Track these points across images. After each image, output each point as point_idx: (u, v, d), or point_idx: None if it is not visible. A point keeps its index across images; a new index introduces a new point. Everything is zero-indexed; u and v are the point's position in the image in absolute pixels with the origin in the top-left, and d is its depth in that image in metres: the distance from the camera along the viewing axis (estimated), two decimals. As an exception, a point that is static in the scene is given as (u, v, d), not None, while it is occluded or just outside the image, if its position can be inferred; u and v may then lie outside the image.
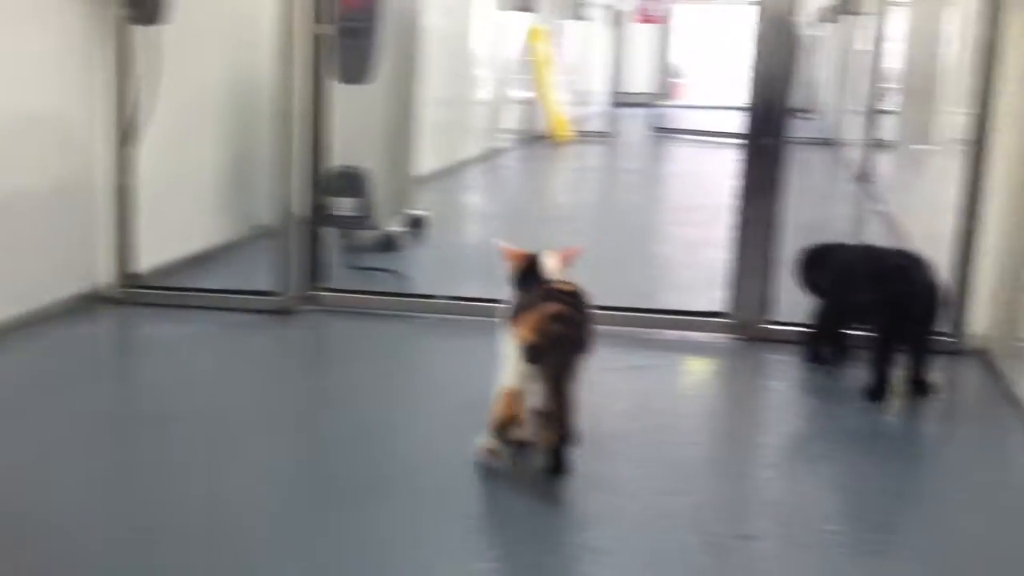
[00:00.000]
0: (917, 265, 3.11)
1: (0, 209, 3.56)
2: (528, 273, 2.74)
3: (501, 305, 2.68)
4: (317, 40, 3.93)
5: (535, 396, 2.47)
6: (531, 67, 10.78)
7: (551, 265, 2.76)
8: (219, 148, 4.96)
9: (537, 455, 2.52)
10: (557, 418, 2.41)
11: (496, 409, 2.51)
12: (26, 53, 3.65)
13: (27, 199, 3.70)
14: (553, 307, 2.47)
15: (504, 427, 2.52)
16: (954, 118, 4.65)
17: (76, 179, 3.96)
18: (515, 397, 2.49)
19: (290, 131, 3.92)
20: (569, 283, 2.63)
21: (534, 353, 2.42)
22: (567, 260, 2.80)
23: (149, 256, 4.24)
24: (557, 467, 2.47)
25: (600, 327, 3.75)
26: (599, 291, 4.35)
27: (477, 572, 2.11)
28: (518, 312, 2.54)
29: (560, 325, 2.44)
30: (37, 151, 3.77)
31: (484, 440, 2.56)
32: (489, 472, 2.55)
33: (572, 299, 2.56)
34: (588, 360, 2.49)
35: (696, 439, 2.86)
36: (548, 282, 2.63)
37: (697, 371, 3.53)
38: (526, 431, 2.55)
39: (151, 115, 4.10)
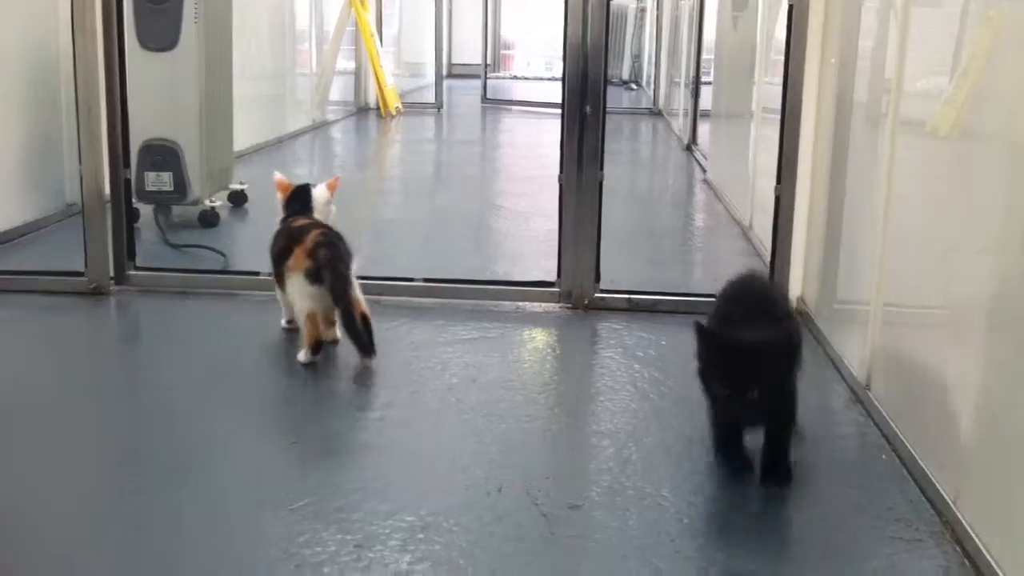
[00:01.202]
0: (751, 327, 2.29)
1: None
2: (295, 200, 3.30)
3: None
4: (119, 3, 3.70)
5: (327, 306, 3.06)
6: (355, 37, 10.56)
7: (319, 193, 3.32)
8: (19, 121, 4.64)
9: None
10: (344, 307, 2.97)
11: (306, 331, 3.05)
12: None
13: None
14: (314, 235, 3.05)
15: (317, 344, 3.06)
16: (767, 88, 4.78)
17: None
18: (314, 317, 3.05)
19: (93, 102, 3.68)
20: (307, 217, 3.23)
21: (314, 275, 2.99)
22: (332, 188, 3.36)
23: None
24: (365, 350, 3.02)
25: (430, 300, 3.73)
26: (431, 264, 4.34)
27: (288, 558, 2.01)
28: (284, 250, 3.09)
29: (325, 248, 3.01)
30: None
31: (304, 355, 3.05)
32: (300, 455, 2.54)
33: (319, 225, 3.16)
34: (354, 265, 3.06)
35: (528, 411, 2.83)
36: (295, 220, 3.20)
37: (528, 342, 3.50)
38: (331, 334, 3.17)
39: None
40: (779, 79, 3.72)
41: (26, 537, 2.12)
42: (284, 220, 3.29)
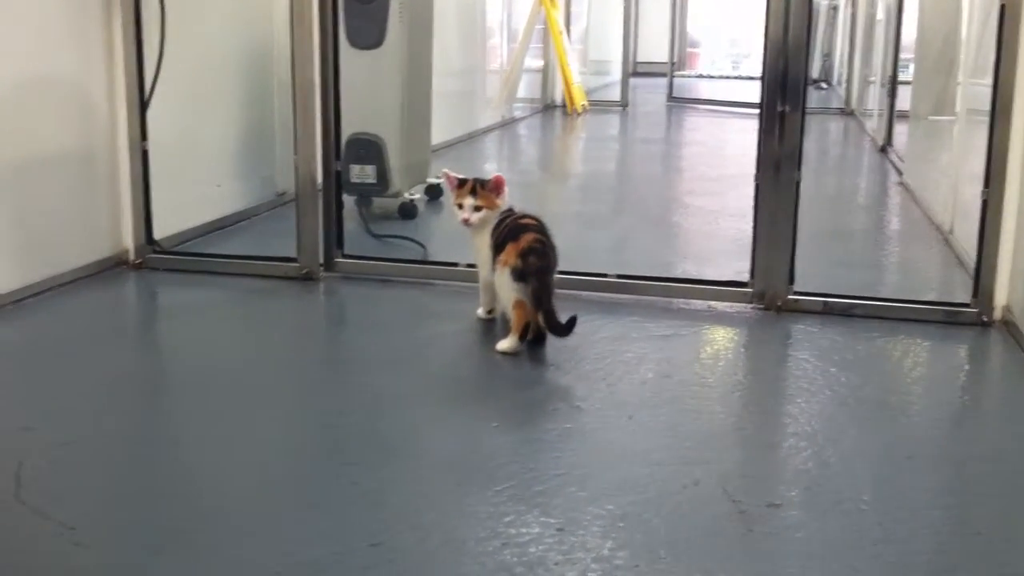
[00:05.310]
0: None
1: (21, 175, 3.56)
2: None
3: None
4: (334, 3, 3.90)
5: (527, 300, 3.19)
6: (545, 35, 10.70)
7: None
8: (237, 114, 4.94)
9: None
10: (545, 311, 3.13)
11: (515, 319, 3.18)
12: (41, 16, 3.64)
13: (48, 165, 3.69)
14: (529, 239, 3.19)
15: (525, 330, 3.19)
16: (973, 88, 4.61)
17: (97, 144, 3.96)
18: (523, 304, 3.17)
19: (308, 96, 3.89)
20: (531, 216, 3.34)
21: (519, 275, 3.15)
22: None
23: (172, 221, 4.26)
24: (565, 328, 3.12)
25: (622, 296, 3.78)
26: (618, 260, 4.39)
27: (494, 537, 2.10)
28: (501, 244, 3.24)
29: (535, 256, 3.16)
30: (57, 116, 3.76)
31: (505, 344, 3.18)
32: (501, 440, 2.62)
33: (537, 227, 3.27)
34: (556, 272, 3.23)
35: (722, 408, 2.85)
36: (521, 217, 3.31)
37: (721, 341, 3.51)
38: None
39: (167, 80, 4.08)
40: (987, 80, 3.60)
41: (239, 506, 2.27)
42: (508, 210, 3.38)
